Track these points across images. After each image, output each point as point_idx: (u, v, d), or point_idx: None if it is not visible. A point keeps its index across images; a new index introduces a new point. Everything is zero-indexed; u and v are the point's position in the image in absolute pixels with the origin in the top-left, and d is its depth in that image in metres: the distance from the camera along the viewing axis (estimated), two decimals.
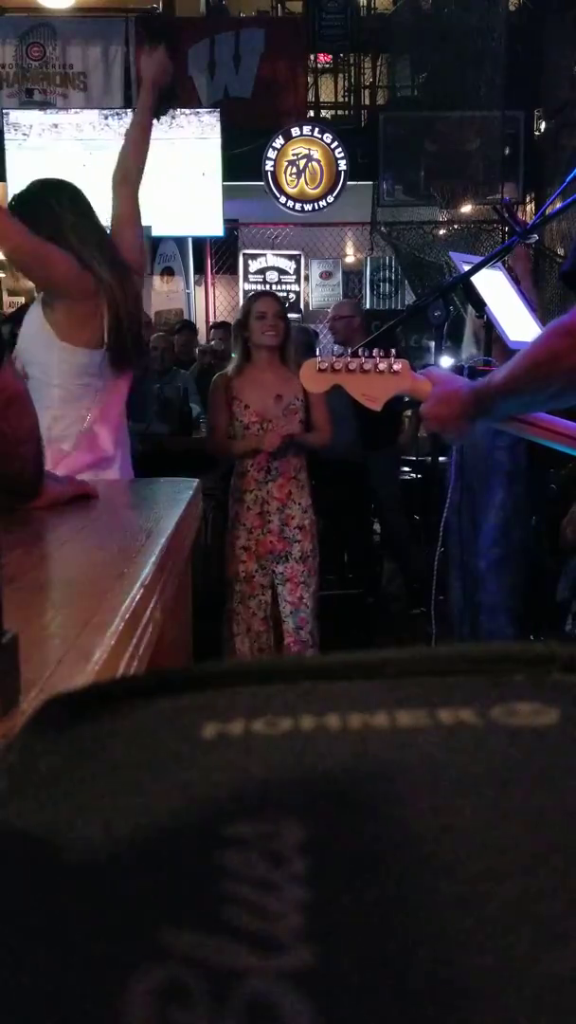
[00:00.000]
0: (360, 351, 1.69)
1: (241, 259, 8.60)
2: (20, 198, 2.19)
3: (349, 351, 2.50)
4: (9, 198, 2.30)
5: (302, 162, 8.24)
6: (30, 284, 2.61)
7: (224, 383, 3.11)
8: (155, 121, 2.34)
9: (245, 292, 8.66)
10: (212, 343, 6.19)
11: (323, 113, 9.29)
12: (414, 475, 4.77)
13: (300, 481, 3.10)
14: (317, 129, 8.33)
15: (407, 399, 1.84)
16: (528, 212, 7.89)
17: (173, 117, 7.46)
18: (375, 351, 1.66)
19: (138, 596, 0.78)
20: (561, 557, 3.18)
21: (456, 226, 8.08)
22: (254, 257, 8.66)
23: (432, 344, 2.46)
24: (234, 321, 3.24)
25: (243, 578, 3.12)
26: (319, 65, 9.33)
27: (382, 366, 1.63)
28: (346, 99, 9.41)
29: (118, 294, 2.06)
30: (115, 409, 2.13)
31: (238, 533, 3.13)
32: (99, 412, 2.07)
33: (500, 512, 3.04)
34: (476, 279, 2.17)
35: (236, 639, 3.15)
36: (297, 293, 8.65)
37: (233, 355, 3.18)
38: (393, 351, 1.68)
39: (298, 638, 3.12)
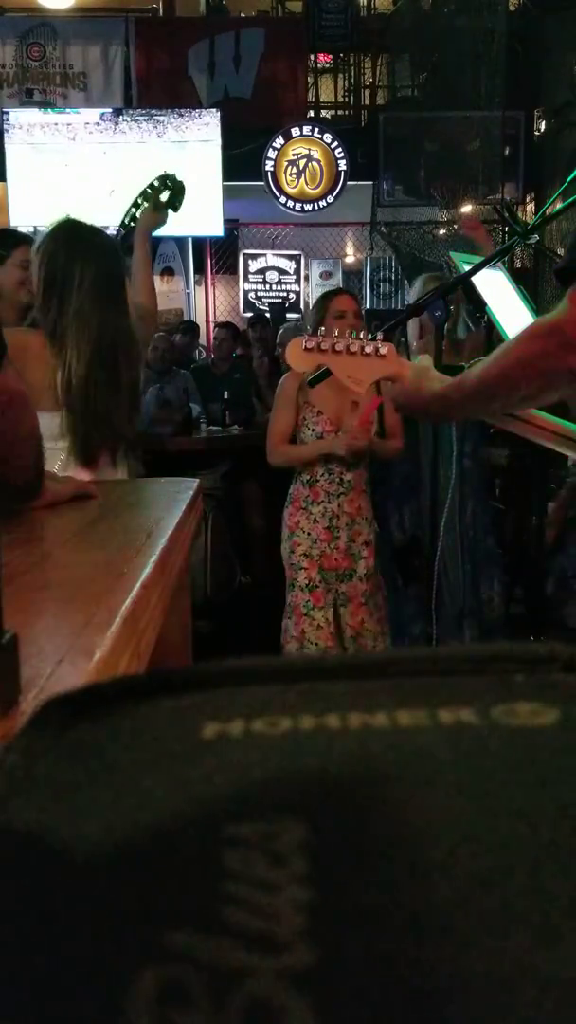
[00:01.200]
0: (348, 332, 1.67)
1: (241, 259, 8.60)
2: (48, 250, 2.04)
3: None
4: (10, 198, 2.27)
5: (302, 162, 8.25)
6: None
7: (296, 382, 2.87)
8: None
9: (245, 292, 8.67)
10: (215, 342, 6.19)
11: (323, 113, 9.30)
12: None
13: (367, 494, 2.91)
14: (317, 129, 8.34)
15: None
16: (528, 212, 7.90)
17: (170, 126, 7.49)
18: (362, 333, 1.65)
19: (138, 596, 0.78)
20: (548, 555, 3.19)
21: (456, 226, 8.08)
22: (254, 257, 8.67)
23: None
24: (311, 321, 2.99)
25: (307, 586, 2.89)
26: (319, 65, 9.35)
27: (368, 349, 1.61)
28: (346, 99, 9.42)
29: (88, 402, 1.96)
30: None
31: (299, 540, 2.90)
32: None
33: (472, 523, 3.04)
34: (476, 279, 2.17)
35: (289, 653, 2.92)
36: (297, 293, 8.66)
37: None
38: (380, 335, 1.67)
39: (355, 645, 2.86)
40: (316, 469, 2.88)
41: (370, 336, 1.68)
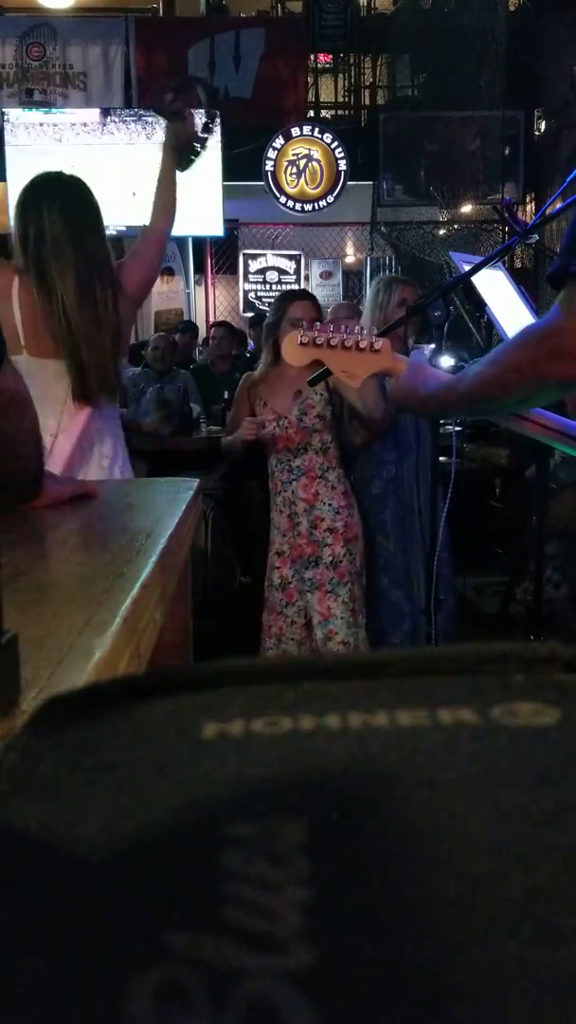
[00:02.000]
0: (343, 327, 1.68)
1: (241, 259, 8.60)
2: (19, 201, 2.13)
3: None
4: (10, 197, 2.28)
5: (302, 162, 8.25)
6: None
7: (249, 384, 3.01)
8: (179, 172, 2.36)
9: (245, 292, 8.67)
10: (212, 341, 6.19)
11: (323, 113, 9.31)
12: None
13: (329, 481, 2.94)
14: (317, 129, 8.34)
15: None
16: (528, 212, 7.90)
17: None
18: (356, 328, 1.66)
19: (138, 596, 0.78)
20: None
21: (456, 226, 8.09)
22: (254, 257, 8.67)
23: (432, 344, 2.46)
24: (266, 321, 3.09)
25: (278, 585, 2.98)
26: (319, 65, 9.35)
27: (363, 343, 1.62)
28: (346, 99, 9.42)
29: (80, 338, 1.98)
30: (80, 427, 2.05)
31: (273, 538, 3.00)
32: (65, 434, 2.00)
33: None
34: (476, 279, 2.17)
35: (267, 653, 2.98)
36: None
37: (262, 356, 3.06)
38: (375, 331, 1.68)
39: (326, 652, 2.91)
40: (270, 460, 2.99)
41: (374, 333, 1.69)
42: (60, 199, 2.07)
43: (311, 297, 3.15)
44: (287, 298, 3.02)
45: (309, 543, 2.93)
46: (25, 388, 1.06)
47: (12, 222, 2.09)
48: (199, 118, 2.44)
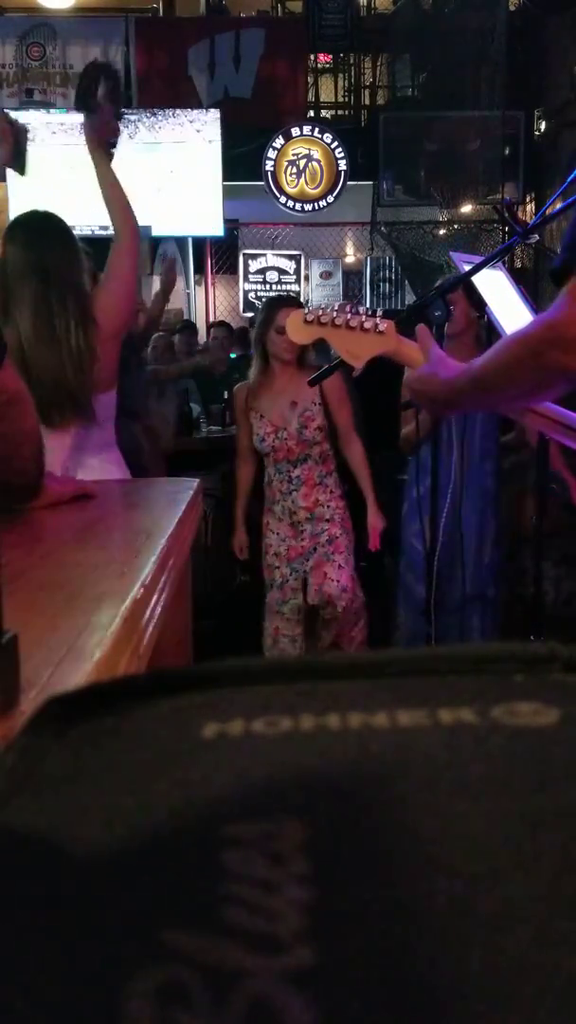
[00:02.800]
0: (348, 307, 1.68)
1: (241, 259, 8.60)
2: None
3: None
4: (10, 197, 2.25)
5: (302, 162, 8.25)
6: None
7: (244, 395, 3.04)
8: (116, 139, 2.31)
9: (245, 292, 8.67)
10: (214, 342, 6.18)
11: (323, 113, 9.30)
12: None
13: (327, 486, 3.00)
14: (317, 129, 8.33)
15: (410, 401, 1.84)
16: (528, 212, 7.90)
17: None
18: (362, 309, 1.66)
19: (138, 596, 0.78)
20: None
21: (456, 226, 8.09)
22: (254, 257, 8.67)
23: None
24: (255, 330, 3.12)
25: (278, 584, 3.03)
26: (319, 65, 9.35)
27: (368, 324, 1.62)
28: (346, 99, 9.42)
29: (34, 370, 1.95)
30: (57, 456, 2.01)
31: (270, 542, 3.05)
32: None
33: (492, 547, 3.01)
34: (476, 279, 2.17)
35: (268, 653, 3.03)
36: (297, 293, 8.65)
37: (253, 362, 3.08)
38: (380, 312, 1.68)
39: (332, 613, 2.96)
40: (269, 469, 3.03)
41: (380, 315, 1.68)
42: (24, 233, 2.07)
43: (298, 303, 3.21)
44: (274, 305, 3.03)
45: (311, 538, 3.00)
46: (26, 389, 1.06)
47: None
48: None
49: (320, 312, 1.65)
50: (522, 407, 1.50)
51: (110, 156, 2.26)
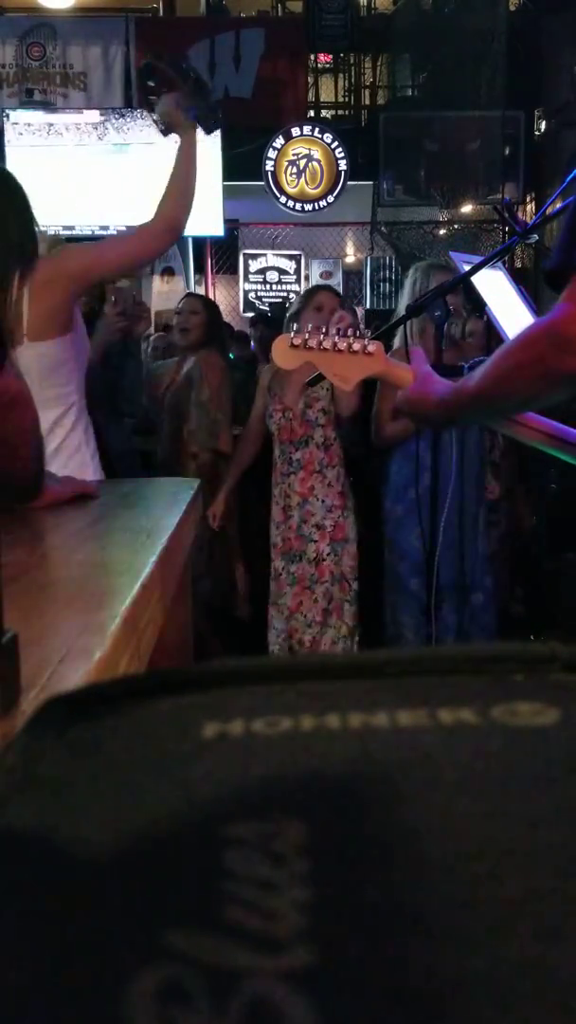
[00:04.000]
0: (335, 329, 1.65)
1: (241, 259, 8.60)
2: None
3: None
4: None
5: (302, 162, 8.25)
6: None
7: (268, 375, 3.02)
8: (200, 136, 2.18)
9: (245, 292, 8.67)
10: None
11: (323, 113, 9.30)
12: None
13: (326, 477, 2.92)
14: (317, 129, 8.33)
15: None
16: (528, 212, 7.90)
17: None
18: (350, 331, 1.64)
19: (138, 596, 0.78)
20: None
21: (456, 226, 8.09)
22: (254, 257, 8.67)
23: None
24: (288, 312, 3.11)
25: (273, 576, 3.01)
26: (319, 65, 9.34)
27: (356, 347, 1.58)
28: (346, 99, 9.42)
29: None
30: None
31: (271, 530, 3.02)
32: None
33: (483, 536, 3.01)
34: (476, 279, 2.17)
35: (271, 646, 3.00)
36: (297, 293, 8.64)
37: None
38: (368, 332, 1.66)
39: (288, 648, 2.92)
40: (275, 450, 3.00)
41: (368, 336, 1.67)
42: None
43: (333, 290, 3.18)
44: (311, 291, 3.07)
45: (297, 537, 2.94)
46: (27, 388, 1.06)
47: None
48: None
49: (307, 335, 1.60)
50: (520, 420, 1.50)
51: (188, 136, 2.13)
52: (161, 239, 2.11)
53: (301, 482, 2.94)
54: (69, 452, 2.00)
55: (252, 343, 6.74)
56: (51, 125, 7.52)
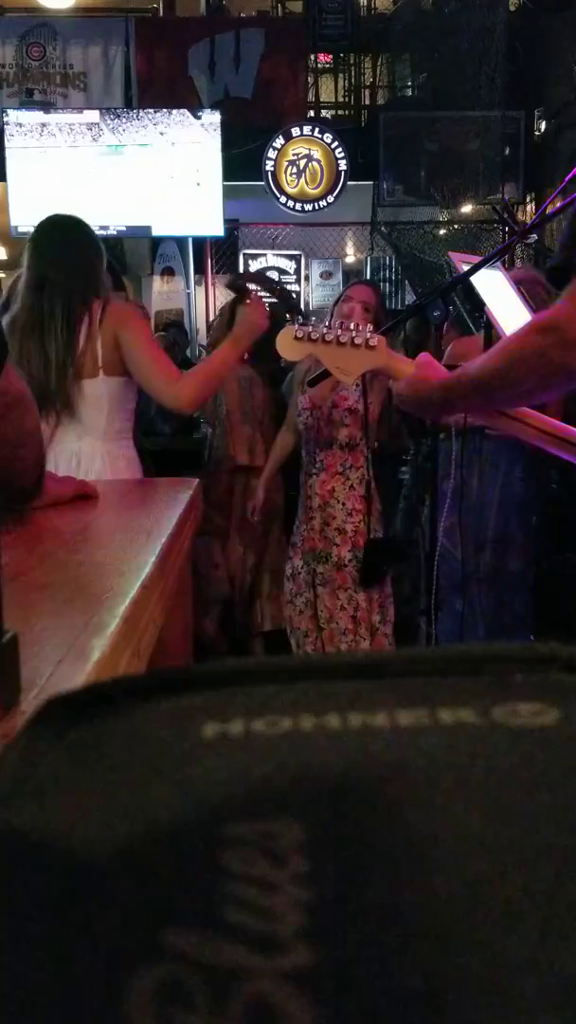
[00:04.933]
0: (339, 323, 1.67)
1: (241, 259, 8.60)
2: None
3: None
4: (10, 197, 2.30)
5: (302, 162, 8.24)
6: None
7: (304, 369, 2.93)
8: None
9: None
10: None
11: (323, 113, 9.29)
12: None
13: (349, 480, 2.85)
14: (317, 129, 8.33)
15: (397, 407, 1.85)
16: (528, 212, 7.90)
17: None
18: (353, 324, 1.65)
19: (138, 596, 0.78)
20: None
21: (456, 226, 8.09)
22: (254, 257, 8.67)
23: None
24: (332, 305, 3.12)
25: (290, 575, 2.97)
26: (319, 65, 9.33)
27: (358, 340, 1.60)
28: (346, 99, 9.41)
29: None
30: None
31: (294, 527, 3.00)
32: None
33: (520, 549, 2.98)
34: (476, 279, 2.17)
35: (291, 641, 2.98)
36: (297, 293, 8.65)
37: None
38: (371, 327, 1.68)
39: (331, 648, 2.84)
40: (300, 451, 2.99)
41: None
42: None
43: (372, 285, 3.26)
44: (349, 285, 3.11)
45: (321, 538, 2.88)
46: (28, 391, 1.06)
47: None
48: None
49: (310, 328, 1.63)
50: (522, 418, 1.50)
51: (242, 349, 2.30)
52: (173, 400, 2.25)
53: (322, 484, 2.88)
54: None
55: None
56: (44, 125, 7.52)
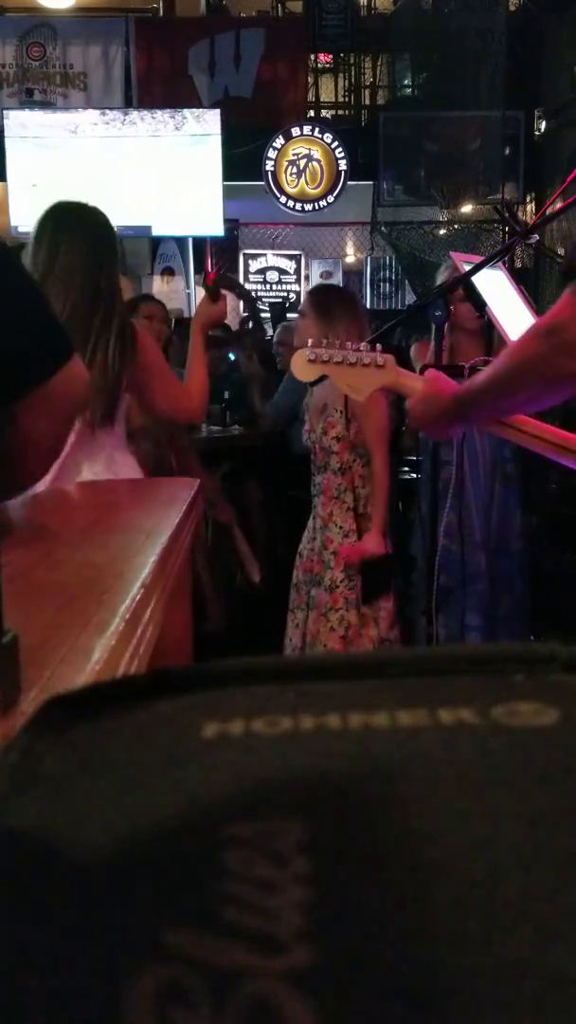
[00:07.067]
0: (349, 344, 1.75)
1: (241, 259, 8.60)
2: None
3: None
4: (10, 197, 2.28)
5: (302, 162, 8.25)
6: None
7: (309, 395, 2.98)
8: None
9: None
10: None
11: (323, 113, 9.29)
12: (414, 475, 4.76)
13: (344, 503, 2.86)
14: (317, 129, 8.33)
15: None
16: (528, 212, 7.89)
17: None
18: (363, 345, 1.74)
19: (138, 596, 0.78)
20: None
21: (456, 226, 8.08)
22: (254, 257, 8.67)
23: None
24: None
25: (294, 584, 2.99)
26: (319, 65, 9.33)
27: (367, 359, 1.70)
28: (346, 99, 9.40)
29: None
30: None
31: (303, 536, 3.00)
32: None
33: (520, 549, 2.98)
34: (476, 279, 2.17)
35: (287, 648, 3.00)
36: (297, 293, 8.66)
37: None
38: (379, 347, 1.75)
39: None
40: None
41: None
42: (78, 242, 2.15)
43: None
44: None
45: (319, 561, 2.88)
46: (43, 427, 1.05)
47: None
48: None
49: (322, 351, 1.73)
50: (521, 427, 1.52)
51: (206, 342, 2.40)
52: (188, 414, 2.34)
53: (323, 506, 2.91)
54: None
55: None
56: (44, 125, 7.52)
